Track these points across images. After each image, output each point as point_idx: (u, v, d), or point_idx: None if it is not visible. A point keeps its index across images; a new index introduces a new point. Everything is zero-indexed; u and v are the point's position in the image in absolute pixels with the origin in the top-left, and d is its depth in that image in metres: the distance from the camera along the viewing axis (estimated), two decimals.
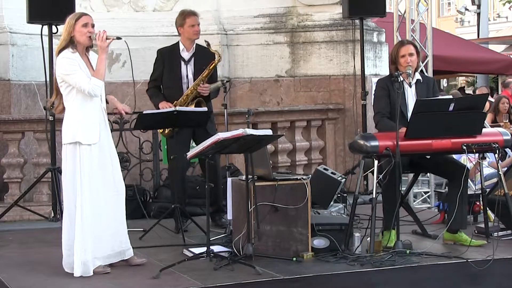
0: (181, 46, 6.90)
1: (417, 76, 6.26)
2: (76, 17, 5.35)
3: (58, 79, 5.30)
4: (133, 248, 5.49)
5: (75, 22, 5.30)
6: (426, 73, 8.80)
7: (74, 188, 5.22)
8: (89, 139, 5.25)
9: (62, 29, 5.47)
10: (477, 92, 15.22)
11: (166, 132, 6.75)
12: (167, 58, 6.91)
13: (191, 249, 5.77)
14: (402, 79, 5.97)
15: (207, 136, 5.71)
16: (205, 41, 6.92)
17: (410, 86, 6.15)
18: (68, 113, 5.31)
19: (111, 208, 5.34)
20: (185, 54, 6.88)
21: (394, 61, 6.19)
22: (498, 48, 22.86)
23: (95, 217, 5.23)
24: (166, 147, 7.93)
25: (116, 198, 5.38)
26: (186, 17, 6.90)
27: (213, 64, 6.80)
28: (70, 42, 5.30)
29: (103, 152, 5.32)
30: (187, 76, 6.83)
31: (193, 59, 6.86)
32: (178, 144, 6.60)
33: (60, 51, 5.31)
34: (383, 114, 6.07)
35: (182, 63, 6.86)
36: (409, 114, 5.91)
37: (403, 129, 5.74)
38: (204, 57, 6.86)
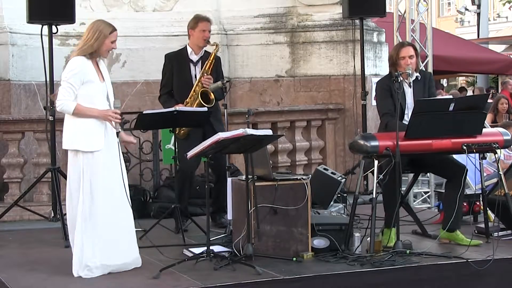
0: (189, 50, 6.89)
1: (416, 74, 6.26)
2: (110, 30, 5.25)
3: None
4: None
5: (109, 35, 5.23)
6: None
7: (77, 195, 5.14)
8: (91, 146, 5.15)
9: (86, 31, 5.29)
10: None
11: (181, 133, 6.70)
12: (175, 61, 6.90)
13: (191, 249, 5.77)
14: (401, 79, 5.94)
15: None
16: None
17: (410, 87, 6.15)
18: (69, 117, 5.23)
19: (119, 217, 5.22)
20: (194, 57, 6.87)
21: (394, 62, 6.18)
22: (498, 48, 22.88)
23: (99, 225, 5.14)
24: (166, 147, 7.94)
25: (126, 206, 5.25)
26: (199, 21, 6.89)
27: (213, 54, 6.81)
28: (94, 51, 5.22)
29: (111, 158, 5.20)
30: (195, 76, 6.82)
31: (201, 61, 6.86)
32: (191, 145, 6.53)
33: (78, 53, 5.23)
34: (391, 115, 5.99)
35: (191, 64, 6.86)
36: (409, 114, 5.91)
37: None
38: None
